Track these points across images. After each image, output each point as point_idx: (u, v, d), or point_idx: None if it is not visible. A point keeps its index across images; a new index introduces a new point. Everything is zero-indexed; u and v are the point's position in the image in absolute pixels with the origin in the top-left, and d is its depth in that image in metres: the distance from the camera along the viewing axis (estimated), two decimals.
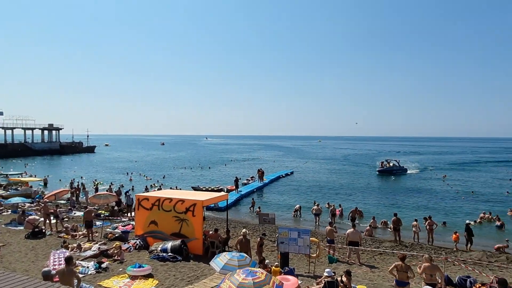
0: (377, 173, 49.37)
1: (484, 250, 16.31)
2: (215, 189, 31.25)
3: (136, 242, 13.74)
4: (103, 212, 21.51)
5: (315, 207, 22.51)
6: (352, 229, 14.35)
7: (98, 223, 18.09)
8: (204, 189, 30.60)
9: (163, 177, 43.40)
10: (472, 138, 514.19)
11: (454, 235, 17.36)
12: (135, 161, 70.90)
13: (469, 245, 16.97)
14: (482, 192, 34.43)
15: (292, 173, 49.77)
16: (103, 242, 14.43)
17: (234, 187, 32.42)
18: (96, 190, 29.81)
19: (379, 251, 15.78)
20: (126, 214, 22.32)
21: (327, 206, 25.21)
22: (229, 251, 11.83)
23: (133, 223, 16.49)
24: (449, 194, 33.26)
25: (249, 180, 39.58)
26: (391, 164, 50.39)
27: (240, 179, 35.44)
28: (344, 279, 8.81)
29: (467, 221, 18.62)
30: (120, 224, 18.51)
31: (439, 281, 9.63)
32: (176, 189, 28.52)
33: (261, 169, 40.60)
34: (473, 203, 28.63)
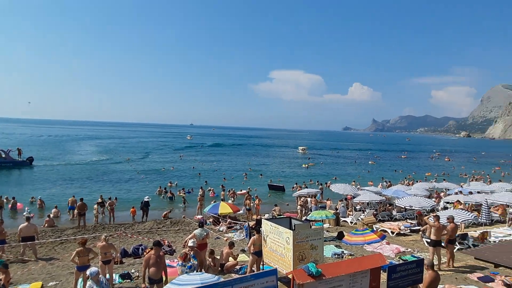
0: None
1: (155, 219, 19.44)
2: None
3: None
4: None
5: None
6: (26, 223, 13.01)
7: None
8: None
9: None
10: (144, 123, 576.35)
11: (132, 209, 19.84)
12: None
13: (145, 217, 19.74)
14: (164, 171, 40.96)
15: None
16: None
17: None
18: None
19: (60, 240, 15.30)
20: None
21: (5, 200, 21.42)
22: None
23: None
24: (132, 174, 36.94)
25: None
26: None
27: None
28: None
29: (146, 198, 21.34)
30: None
31: (114, 255, 10.65)
32: None
33: None
34: (150, 182, 33.15)
